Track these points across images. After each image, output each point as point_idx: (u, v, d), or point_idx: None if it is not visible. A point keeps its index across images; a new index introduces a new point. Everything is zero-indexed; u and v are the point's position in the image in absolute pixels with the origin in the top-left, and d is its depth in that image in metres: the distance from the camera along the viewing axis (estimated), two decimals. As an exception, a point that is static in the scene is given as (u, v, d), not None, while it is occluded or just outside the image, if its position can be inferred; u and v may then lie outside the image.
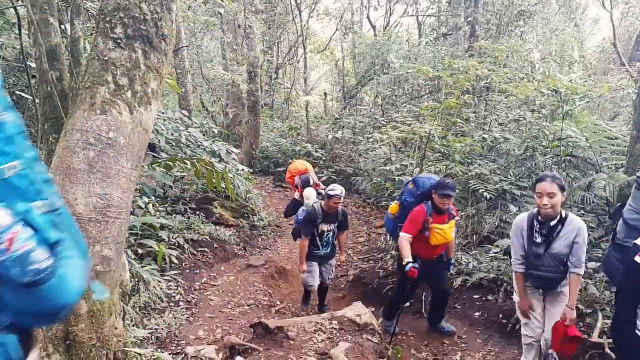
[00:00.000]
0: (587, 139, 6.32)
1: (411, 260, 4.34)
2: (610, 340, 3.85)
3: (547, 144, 6.83)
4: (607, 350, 3.75)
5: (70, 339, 2.67)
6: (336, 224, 5.49)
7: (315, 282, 5.51)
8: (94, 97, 2.87)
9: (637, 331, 2.38)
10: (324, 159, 12.44)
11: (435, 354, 4.69)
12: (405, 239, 4.51)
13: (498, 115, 8.03)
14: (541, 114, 7.54)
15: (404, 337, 5.04)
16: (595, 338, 3.89)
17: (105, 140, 2.81)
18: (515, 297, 3.74)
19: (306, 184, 6.67)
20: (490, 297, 5.28)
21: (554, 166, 6.84)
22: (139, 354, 3.07)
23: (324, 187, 6.59)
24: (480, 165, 6.85)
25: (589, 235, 5.51)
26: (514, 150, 7.35)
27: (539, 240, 3.38)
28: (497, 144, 7.44)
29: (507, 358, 4.30)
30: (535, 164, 7.09)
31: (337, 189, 5.20)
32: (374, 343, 4.54)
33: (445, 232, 4.47)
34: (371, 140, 9.14)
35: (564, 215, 3.29)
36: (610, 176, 5.72)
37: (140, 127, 3.03)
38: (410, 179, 5.12)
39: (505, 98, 8.40)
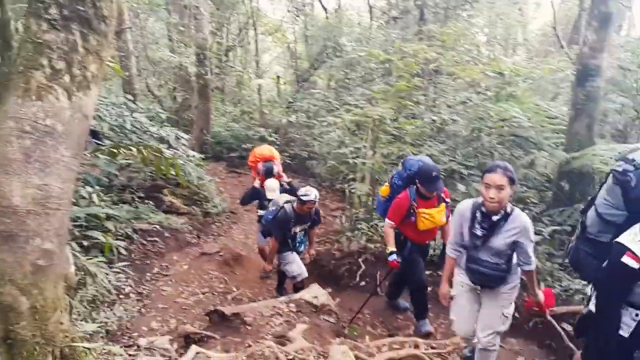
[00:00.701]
0: (529, 118, 6.60)
1: (394, 249, 4.33)
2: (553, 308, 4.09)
3: (492, 124, 7.07)
4: (549, 318, 3.97)
5: (12, 338, 2.52)
6: (308, 223, 5.31)
7: (302, 269, 5.21)
8: (28, 82, 2.69)
9: (620, 331, 2.30)
10: (278, 143, 12.36)
11: (390, 329, 4.82)
12: (387, 225, 4.45)
13: (446, 98, 8.23)
14: (486, 95, 7.79)
15: (360, 315, 5.15)
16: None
17: (41, 128, 2.64)
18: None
19: (269, 172, 6.20)
20: (440, 273, 5.46)
21: (498, 145, 7.10)
22: (88, 348, 2.97)
23: (286, 178, 6.28)
24: (430, 146, 7.02)
25: (531, 210, 5.81)
26: (461, 131, 7.57)
27: (478, 232, 3.15)
28: (445, 126, 7.64)
29: (457, 330, 4.47)
30: (481, 144, 7.34)
31: (311, 193, 4.94)
32: (330, 323, 4.62)
33: (434, 216, 4.33)
34: (325, 123, 9.15)
35: (508, 210, 3.07)
36: (550, 154, 6.02)
37: (80, 113, 2.86)
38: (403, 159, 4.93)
39: (453, 81, 8.60)
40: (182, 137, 8.19)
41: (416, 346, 3.98)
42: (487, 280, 3.27)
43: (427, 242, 4.76)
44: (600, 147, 5.58)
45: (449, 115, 7.21)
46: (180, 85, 14.89)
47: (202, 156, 9.10)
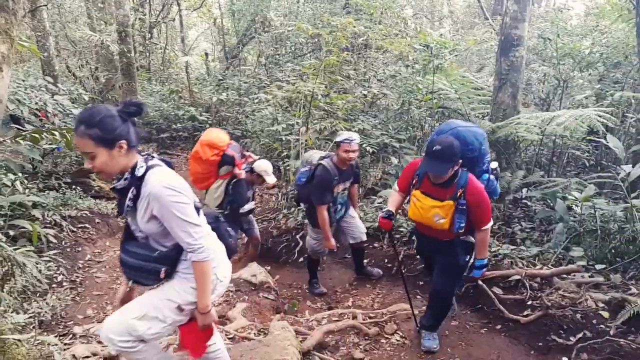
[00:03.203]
0: (456, 90, 6.84)
1: (390, 208, 3.46)
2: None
3: (421, 97, 7.28)
4: (480, 282, 4.22)
5: None
6: (351, 180, 4.64)
7: (332, 242, 4.61)
8: None
9: None
10: (209, 122, 12.06)
11: (329, 302, 4.94)
12: (393, 188, 3.67)
13: (376, 72, 8.36)
14: (414, 68, 7.98)
15: (299, 290, 5.24)
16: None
17: None
18: None
19: (241, 155, 5.26)
20: (376, 245, 5.64)
21: (427, 118, 7.34)
22: (19, 340, 2.84)
23: (254, 156, 5.31)
24: (362, 121, 7.14)
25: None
26: (392, 105, 7.74)
27: None
28: (376, 100, 7.79)
29: (393, 298, 4.66)
30: (411, 117, 7.56)
31: (353, 134, 4.24)
32: (270, 300, 4.67)
33: (424, 208, 3.20)
34: (256, 100, 9.03)
35: None
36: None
37: (-9, 97, 2.70)
38: None
39: (382, 54, 8.75)
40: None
41: (354, 317, 4.12)
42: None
43: (430, 235, 3.47)
44: (525, 116, 5.81)
45: (380, 89, 7.34)
46: (102, 65, 14.08)
47: (131, 138, 8.72)
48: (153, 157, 2.24)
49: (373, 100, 7.71)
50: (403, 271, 4.44)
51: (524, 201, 5.84)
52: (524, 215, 5.71)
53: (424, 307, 3.90)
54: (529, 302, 4.03)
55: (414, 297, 4.42)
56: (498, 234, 5.21)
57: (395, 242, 4.37)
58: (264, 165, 4.96)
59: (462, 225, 3.13)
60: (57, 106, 7.31)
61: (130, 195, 2.12)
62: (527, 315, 3.90)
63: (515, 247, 4.79)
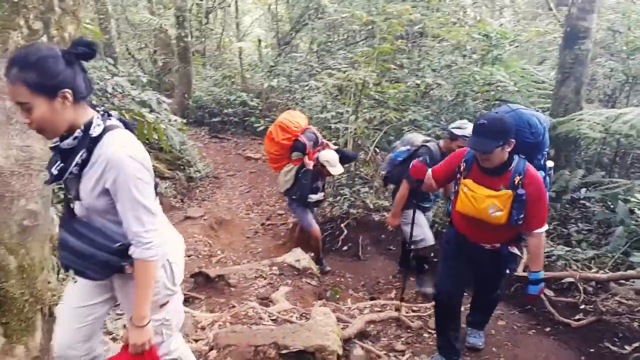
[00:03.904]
0: (515, 83, 6.59)
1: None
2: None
3: (478, 88, 7.05)
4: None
5: (2, 295, 2.56)
6: None
7: (428, 234, 4.40)
8: (6, 42, 2.64)
9: None
10: (259, 108, 12.20)
11: (371, 293, 4.91)
12: (428, 173, 3.24)
13: (431, 61, 8.14)
14: (472, 58, 7.73)
15: (342, 279, 5.24)
16: (519, 272, 4.22)
17: None
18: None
19: (316, 144, 4.98)
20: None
21: (483, 110, 7.10)
22: (76, 307, 2.99)
23: (332, 145, 5.17)
24: (414, 111, 6.99)
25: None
26: (446, 96, 7.54)
27: None
28: (429, 90, 7.60)
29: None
30: (466, 109, 7.33)
31: (469, 126, 3.82)
32: (312, 285, 4.70)
33: (477, 199, 2.76)
34: (307, 88, 9.03)
35: None
36: (536, 119, 6.02)
37: (61, 74, 2.83)
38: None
39: (438, 43, 8.51)
40: (163, 101, 8.02)
41: (397, 309, 4.08)
42: None
43: (481, 244, 3.01)
44: (588, 112, 5.54)
45: (434, 79, 7.16)
46: (160, 49, 14.51)
47: (184, 121, 8.95)
48: (111, 115, 1.83)
49: (426, 90, 7.52)
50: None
51: (582, 202, 5.57)
52: (581, 216, 5.47)
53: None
54: (582, 306, 3.90)
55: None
56: (552, 235, 5.02)
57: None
58: (327, 156, 4.82)
59: (522, 217, 2.70)
60: (117, 87, 7.59)
61: (78, 159, 1.74)
62: (579, 320, 3.77)
63: (570, 248, 4.61)
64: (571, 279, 4.07)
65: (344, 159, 5.11)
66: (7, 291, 2.59)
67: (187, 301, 3.97)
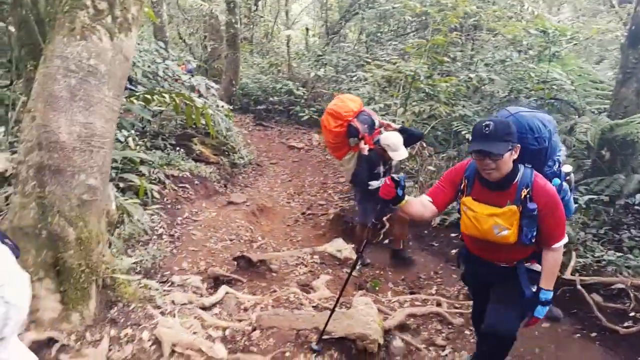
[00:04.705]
0: (572, 81, 6.31)
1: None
2: (583, 277, 4.04)
3: (532, 86, 6.80)
4: (579, 287, 3.94)
5: (60, 265, 2.70)
6: None
7: None
8: (73, 21, 2.77)
9: None
10: (305, 97, 12.23)
11: (412, 287, 4.86)
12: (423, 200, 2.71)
13: (484, 55, 7.91)
14: (527, 54, 7.46)
15: (382, 272, 5.20)
16: (568, 275, 4.08)
17: (86, 68, 2.74)
18: None
19: (372, 128, 4.66)
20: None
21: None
22: (128, 279, 3.11)
23: (394, 125, 4.76)
24: (464, 106, 6.82)
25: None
26: (498, 92, 7.32)
27: None
28: (482, 85, 7.39)
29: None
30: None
31: None
32: (353, 276, 4.68)
33: (478, 219, 2.47)
34: (354, 78, 8.96)
35: None
36: (592, 120, 5.76)
37: (121, 55, 2.93)
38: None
39: (493, 37, 8.26)
40: (211, 86, 8.16)
41: (438, 304, 4.02)
42: None
43: (493, 259, 2.67)
44: (649, 115, 5.26)
45: (487, 74, 6.94)
46: (210, 34, 14.74)
47: (230, 107, 9.08)
48: None
49: (478, 85, 7.32)
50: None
51: (637, 207, 5.30)
52: (634, 223, 5.21)
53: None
54: (632, 314, 3.75)
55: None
56: (603, 239, 4.82)
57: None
58: (388, 139, 4.40)
59: (534, 235, 2.38)
60: (167, 71, 7.76)
61: None
62: (628, 327, 3.60)
63: (621, 254, 4.41)
64: (622, 286, 3.92)
65: (410, 138, 4.70)
66: (66, 261, 2.72)
67: (230, 283, 4.04)
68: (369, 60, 8.83)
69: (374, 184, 4.43)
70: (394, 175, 2.57)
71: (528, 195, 2.36)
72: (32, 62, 3.94)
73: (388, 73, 6.98)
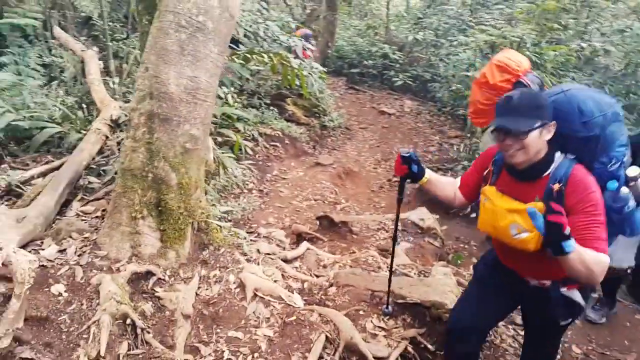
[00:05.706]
0: None
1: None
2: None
3: (655, 59, 6.11)
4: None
5: (162, 206, 2.98)
6: None
7: None
8: None
9: None
10: (400, 62, 11.94)
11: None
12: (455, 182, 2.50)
13: (601, 24, 7.18)
14: (654, 24, 6.67)
15: (466, 246, 5.10)
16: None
17: (195, 24, 2.91)
18: None
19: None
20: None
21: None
22: (220, 226, 3.37)
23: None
24: (573, 78, 6.29)
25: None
26: (614, 65, 6.66)
27: None
28: (595, 56, 6.75)
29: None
30: (636, 82, 6.42)
31: None
32: (434, 246, 4.65)
33: (496, 213, 2.01)
34: (455, 43, 8.57)
35: None
36: None
37: (227, 13, 3.06)
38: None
39: (612, 4, 7.43)
40: (308, 48, 8.24)
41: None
42: None
43: (523, 275, 2.18)
44: None
45: (602, 44, 6.32)
46: (310, -5, 14.76)
47: (324, 69, 9.15)
48: None
49: (591, 56, 6.69)
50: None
51: None
52: None
53: None
54: None
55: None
56: None
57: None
58: None
59: None
60: (268, 31, 7.95)
61: None
62: None
63: None
64: None
65: None
66: (167, 203, 2.99)
67: (311, 240, 4.19)
68: (473, 25, 8.39)
69: None
70: (401, 149, 2.35)
71: (561, 192, 1.86)
72: (147, 16, 4.22)
73: (492, 38, 6.59)
